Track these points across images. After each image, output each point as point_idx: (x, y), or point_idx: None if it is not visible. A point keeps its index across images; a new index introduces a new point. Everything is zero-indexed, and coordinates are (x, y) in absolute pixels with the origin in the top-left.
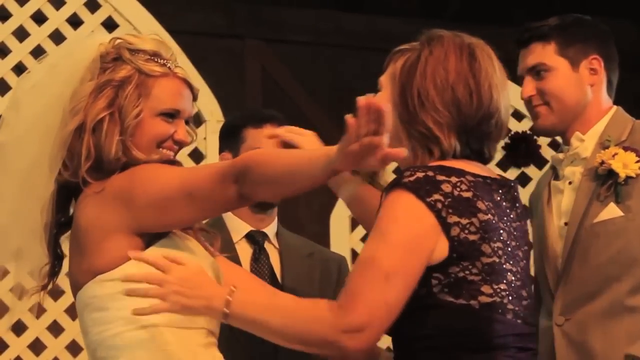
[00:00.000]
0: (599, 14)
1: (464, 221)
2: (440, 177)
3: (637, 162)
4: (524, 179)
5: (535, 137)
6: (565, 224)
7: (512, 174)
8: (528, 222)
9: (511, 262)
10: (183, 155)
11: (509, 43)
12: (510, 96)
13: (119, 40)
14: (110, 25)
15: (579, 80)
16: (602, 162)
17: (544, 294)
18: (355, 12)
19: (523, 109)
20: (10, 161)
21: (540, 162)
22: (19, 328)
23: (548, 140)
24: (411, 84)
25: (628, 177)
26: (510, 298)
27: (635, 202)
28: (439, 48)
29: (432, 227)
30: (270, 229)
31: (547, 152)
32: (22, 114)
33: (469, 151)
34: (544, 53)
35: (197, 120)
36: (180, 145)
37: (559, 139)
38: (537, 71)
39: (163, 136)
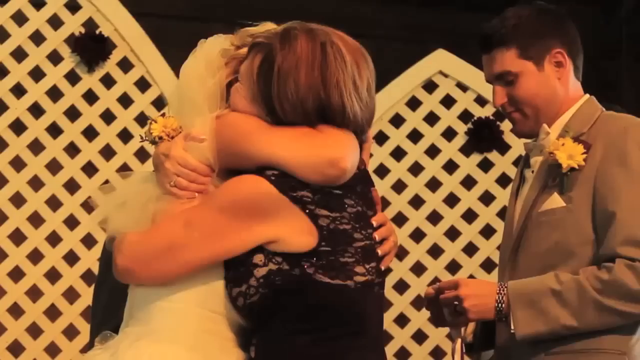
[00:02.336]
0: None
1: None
2: None
3: (583, 154)
4: (486, 165)
5: (498, 122)
6: (521, 211)
7: (474, 159)
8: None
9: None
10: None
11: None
12: (473, 81)
13: (242, 31)
14: (73, 6)
15: (546, 79)
16: (551, 152)
17: (499, 279)
18: None
19: (487, 95)
20: None
21: (503, 148)
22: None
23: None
24: (270, 94)
25: (572, 169)
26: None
27: (576, 194)
28: (292, 56)
29: None
30: None
31: (510, 138)
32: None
33: None
34: (507, 59)
35: (160, 103)
36: None
37: None
38: (504, 78)
39: None
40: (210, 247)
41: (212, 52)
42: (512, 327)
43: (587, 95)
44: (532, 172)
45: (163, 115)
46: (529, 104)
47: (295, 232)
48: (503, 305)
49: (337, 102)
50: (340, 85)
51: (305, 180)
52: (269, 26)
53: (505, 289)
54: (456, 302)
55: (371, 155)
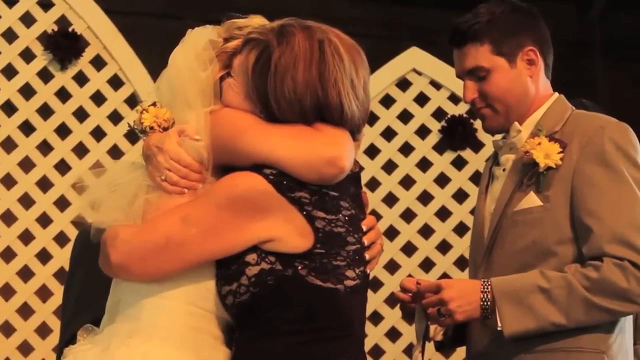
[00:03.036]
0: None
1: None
2: None
3: (560, 152)
4: (459, 162)
5: (471, 120)
6: (494, 210)
7: (448, 157)
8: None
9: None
10: (118, 136)
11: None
12: (447, 79)
13: (228, 22)
14: (46, 4)
15: (518, 76)
16: (527, 151)
17: (471, 278)
18: None
19: (460, 93)
20: None
21: (476, 146)
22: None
23: None
24: (266, 91)
25: (549, 168)
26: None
27: (553, 193)
28: (289, 52)
29: None
30: None
31: (483, 136)
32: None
33: None
34: (480, 55)
35: (133, 101)
36: None
37: None
38: (476, 74)
39: None
40: (207, 244)
41: (200, 42)
42: (499, 325)
43: (557, 94)
44: (503, 170)
45: (154, 104)
46: (500, 100)
47: (292, 233)
48: (488, 302)
49: (335, 101)
50: (338, 83)
51: (302, 179)
52: (256, 19)
53: (489, 286)
54: (440, 305)
55: None
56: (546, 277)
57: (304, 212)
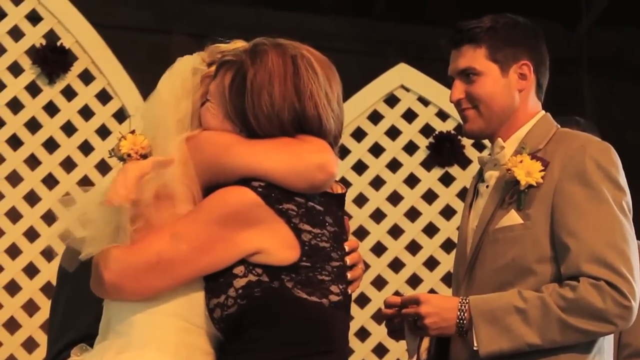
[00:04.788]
0: (530, 14)
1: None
2: None
3: (541, 171)
4: (447, 179)
5: (459, 137)
6: (477, 227)
7: (435, 173)
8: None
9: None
10: (106, 151)
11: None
12: (435, 95)
13: (212, 47)
14: (34, 18)
15: (507, 86)
16: (509, 169)
17: (454, 295)
18: (283, 9)
19: (448, 109)
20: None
21: (464, 162)
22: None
23: (472, 140)
24: (244, 109)
25: (530, 186)
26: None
27: (534, 211)
28: (263, 70)
29: None
30: None
31: (471, 152)
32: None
33: None
34: (475, 57)
35: (121, 115)
36: None
37: (486, 141)
38: (467, 75)
39: None
40: (198, 259)
41: (186, 70)
42: (475, 344)
43: (543, 112)
44: (487, 186)
45: (133, 132)
46: (485, 102)
47: (279, 245)
48: (464, 321)
49: (313, 113)
50: (314, 96)
51: (292, 188)
52: (239, 43)
53: (467, 304)
54: (416, 318)
55: None
56: (523, 297)
57: (291, 225)
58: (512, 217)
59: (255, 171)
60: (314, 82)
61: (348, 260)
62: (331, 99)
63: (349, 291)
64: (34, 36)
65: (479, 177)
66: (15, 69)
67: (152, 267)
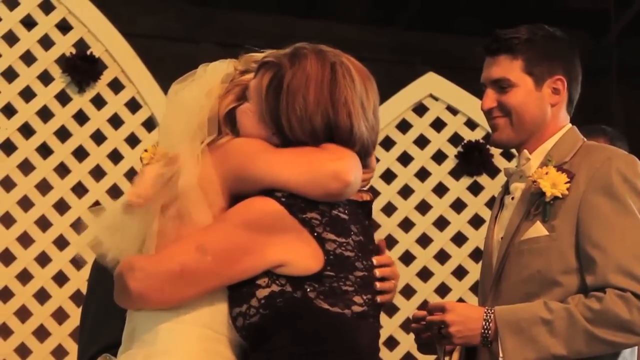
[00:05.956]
0: (557, 24)
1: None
2: None
3: (567, 183)
4: (476, 188)
5: (488, 146)
6: (502, 239)
7: (464, 182)
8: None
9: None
10: (136, 159)
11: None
12: (463, 104)
13: (246, 56)
14: (64, 27)
15: (540, 100)
16: (534, 181)
17: (480, 306)
18: (310, 17)
19: (477, 118)
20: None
21: (492, 171)
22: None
23: (501, 149)
24: (278, 110)
25: (555, 197)
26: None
27: (559, 223)
28: (301, 73)
29: None
30: None
31: (499, 161)
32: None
33: None
34: (511, 68)
35: (150, 124)
36: None
37: (514, 150)
38: (500, 85)
39: None
40: (224, 271)
41: (214, 79)
42: (501, 355)
43: (570, 125)
44: (512, 198)
45: (156, 144)
46: (517, 113)
47: (303, 256)
48: (489, 331)
49: (345, 121)
50: (348, 104)
51: (309, 196)
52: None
53: (492, 315)
54: (442, 326)
55: None
56: (549, 308)
57: (315, 234)
58: (538, 229)
59: (274, 182)
60: (350, 90)
61: (378, 272)
62: (366, 108)
63: (378, 300)
64: (64, 45)
65: (505, 189)
66: (45, 78)
67: (177, 277)
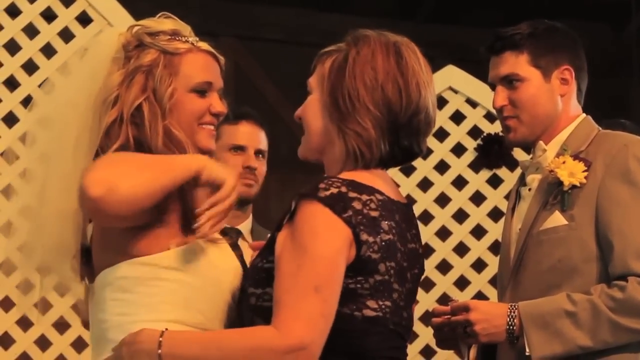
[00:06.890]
0: (577, 17)
1: (371, 239)
2: (352, 195)
3: (584, 171)
4: (495, 181)
5: None
6: (520, 230)
7: (483, 175)
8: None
9: (399, 283)
10: None
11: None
12: (483, 97)
13: (136, 27)
14: (84, 19)
15: (550, 92)
16: (551, 170)
17: (499, 299)
18: (331, 11)
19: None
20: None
21: (511, 164)
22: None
23: None
24: (341, 84)
25: (573, 186)
26: (391, 315)
27: (578, 212)
28: (366, 48)
29: (349, 241)
30: (245, 226)
31: (519, 154)
32: (54, 97)
33: (398, 149)
34: (517, 63)
35: None
36: (219, 116)
37: None
38: (510, 81)
39: (200, 111)
40: (338, 289)
41: (102, 55)
42: (527, 350)
43: (584, 115)
44: (529, 190)
45: None
46: (528, 110)
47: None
48: (515, 327)
49: (415, 90)
50: (416, 73)
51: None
52: (163, 21)
53: (516, 310)
54: (466, 325)
55: None
56: (572, 300)
57: (354, 234)
58: (556, 219)
59: None
60: (415, 64)
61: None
62: (430, 82)
63: (404, 314)
64: (84, 38)
65: (521, 181)
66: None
67: (324, 319)
